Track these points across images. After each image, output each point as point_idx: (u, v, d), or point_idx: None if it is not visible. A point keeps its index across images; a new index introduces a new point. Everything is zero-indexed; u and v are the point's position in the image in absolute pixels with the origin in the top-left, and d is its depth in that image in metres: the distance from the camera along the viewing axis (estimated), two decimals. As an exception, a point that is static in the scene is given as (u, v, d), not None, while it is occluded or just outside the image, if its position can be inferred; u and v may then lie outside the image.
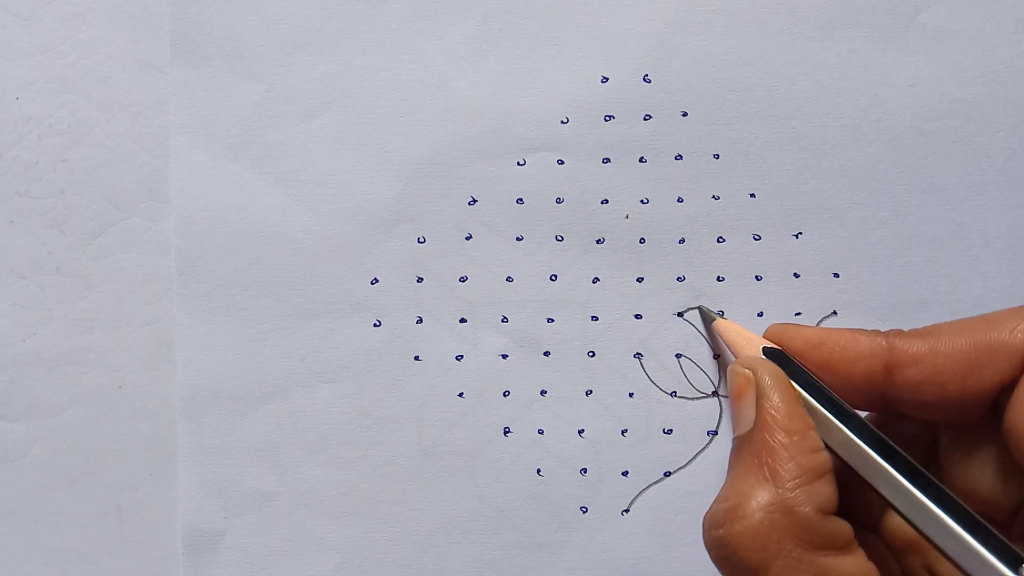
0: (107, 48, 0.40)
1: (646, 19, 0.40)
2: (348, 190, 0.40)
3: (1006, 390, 0.31)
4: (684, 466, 0.40)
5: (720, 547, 0.31)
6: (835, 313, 0.39)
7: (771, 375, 0.33)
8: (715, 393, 0.40)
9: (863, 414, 0.34)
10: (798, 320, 0.40)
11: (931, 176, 0.39)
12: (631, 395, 0.40)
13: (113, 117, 0.40)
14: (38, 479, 0.40)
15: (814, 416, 0.33)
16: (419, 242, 0.40)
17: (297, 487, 0.40)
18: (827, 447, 0.32)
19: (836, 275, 0.40)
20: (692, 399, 0.40)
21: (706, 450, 0.40)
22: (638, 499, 0.40)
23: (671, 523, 0.40)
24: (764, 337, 0.36)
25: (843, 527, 0.31)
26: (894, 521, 0.35)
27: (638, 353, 0.40)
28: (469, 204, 0.40)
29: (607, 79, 0.40)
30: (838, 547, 0.30)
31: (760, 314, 0.40)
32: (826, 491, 0.31)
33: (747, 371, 0.34)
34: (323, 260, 0.40)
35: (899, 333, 0.33)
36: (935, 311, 0.39)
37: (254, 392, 0.40)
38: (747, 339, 0.37)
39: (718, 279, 0.40)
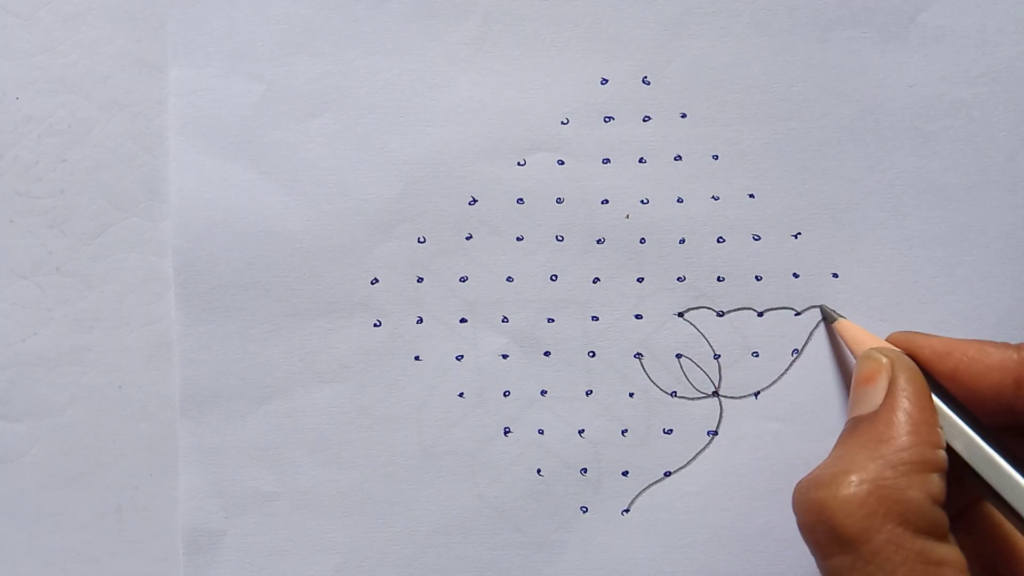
0: (107, 48, 0.40)
1: (645, 21, 0.40)
2: (348, 190, 0.40)
3: None
4: (684, 466, 0.40)
5: (816, 511, 0.31)
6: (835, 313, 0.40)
7: (907, 367, 0.33)
8: (715, 393, 0.40)
9: None
10: (799, 319, 0.40)
11: (931, 176, 0.39)
12: (631, 395, 0.40)
13: (113, 117, 0.40)
14: (38, 479, 0.40)
15: (943, 419, 0.33)
16: (419, 242, 0.40)
17: (297, 487, 0.40)
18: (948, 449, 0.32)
19: (835, 275, 0.40)
20: (692, 399, 0.40)
21: (706, 450, 0.40)
22: (638, 499, 0.40)
23: (671, 523, 0.40)
24: (888, 341, 0.36)
25: (944, 518, 0.31)
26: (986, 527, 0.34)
27: (638, 353, 0.40)
28: (469, 204, 0.40)
29: (607, 80, 0.40)
30: (939, 536, 0.30)
31: (760, 314, 0.40)
32: (939, 484, 0.31)
33: (884, 358, 0.33)
34: (323, 260, 0.40)
35: None
36: (935, 311, 0.39)
37: (254, 392, 0.40)
38: (872, 341, 0.36)
39: (718, 279, 0.40)
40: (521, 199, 0.40)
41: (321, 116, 0.40)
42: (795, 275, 0.40)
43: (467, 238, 0.40)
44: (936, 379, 0.34)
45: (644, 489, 0.40)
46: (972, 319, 0.39)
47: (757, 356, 0.40)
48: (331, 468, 0.40)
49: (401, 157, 0.40)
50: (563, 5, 0.40)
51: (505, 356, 0.40)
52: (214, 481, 0.40)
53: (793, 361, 0.40)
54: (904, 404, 0.32)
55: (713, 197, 0.40)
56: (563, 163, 0.40)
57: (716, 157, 0.40)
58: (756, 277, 0.40)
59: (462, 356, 0.40)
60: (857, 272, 0.40)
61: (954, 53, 0.40)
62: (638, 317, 0.40)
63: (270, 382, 0.40)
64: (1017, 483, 0.31)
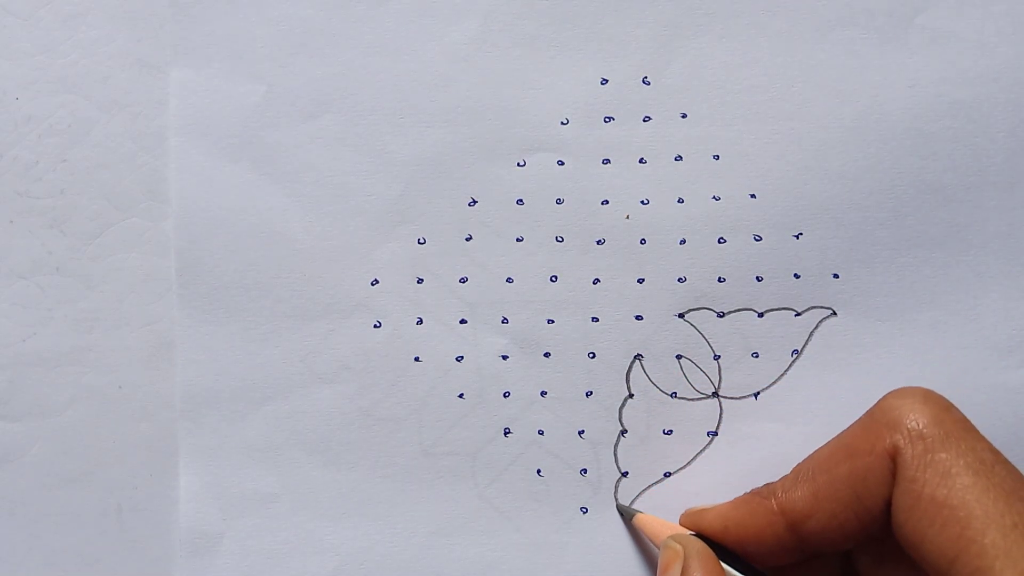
0: (107, 48, 0.40)
1: (645, 21, 0.40)
2: (348, 191, 0.40)
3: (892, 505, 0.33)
4: (684, 467, 0.40)
5: None
6: (835, 313, 0.40)
7: (697, 552, 0.35)
8: (715, 394, 0.40)
9: None
10: (799, 319, 0.40)
11: (930, 177, 0.40)
12: (631, 396, 0.40)
13: (113, 117, 0.40)
14: (38, 479, 0.40)
15: None
16: (419, 243, 0.40)
17: (297, 488, 0.40)
18: None
19: (836, 275, 0.40)
20: (692, 400, 0.40)
21: (706, 451, 0.40)
22: (638, 500, 0.40)
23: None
24: (680, 523, 0.38)
25: None
26: None
27: (638, 354, 0.40)
28: (469, 205, 0.40)
29: (607, 81, 0.40)
30: None
31: (760, 315, 0.40)
32: None
33: (678, 546, 0.36)
34: (323, 261, 0.40)
35: (784, 486, 0.35)
36: (935, 311, 0.39)
37: (254, 393, 0.40)
38: (670, 529, 0.38)
39: (719, 280, 0.40)
40: (521, 200, 0.40)
41: (321, 117, 0.40)
42: (796, 276, 0.40)
43: (467, 239, 0.40)
44: (726, 548, 0.36)
45: (644, 490, 0.40)
46: (971, 319, 0.39)
47: (757, 357, 0.40)
48: (331, 469, 0.40)
49: (401, 158, 0.40)
50: (563, 5, 0.40)
51: (505, 357, 0.40)
52: (214, 482, 0.40)
53: (793, 362, 0.40)
54: None
55: (714, 197, 0.40)
56: (563, 163, 0.40)
57: (717, 157, 0.40)
58: (757, 278, 0.40)
59: (462, 357, 0.40)
60: (857, 272, 0.40)
61: (953, 54, 0.40)
62: (638, 318, 0.40)
63: (270, 383, 0.40)
64: None
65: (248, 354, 0.40)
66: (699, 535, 0.37)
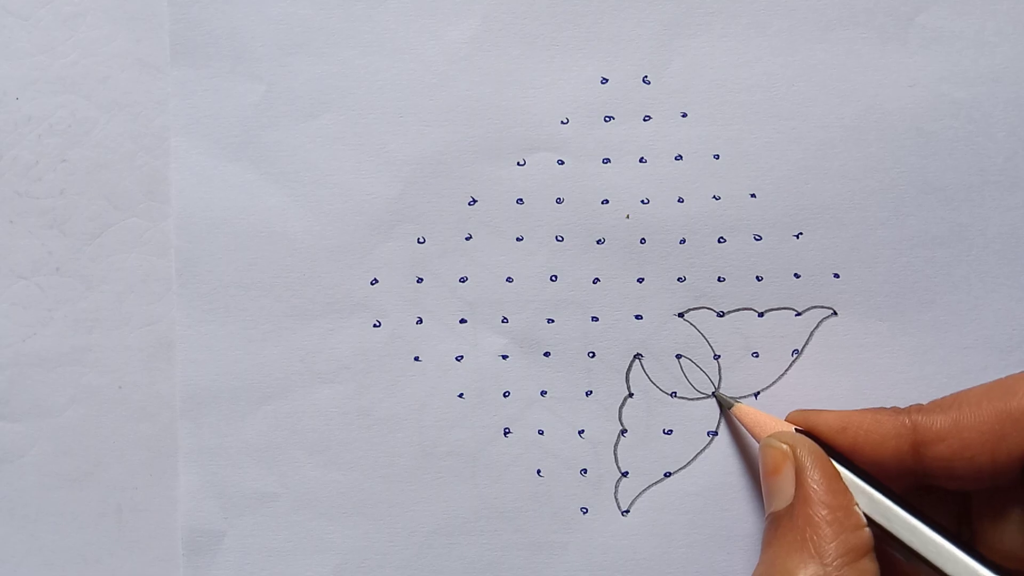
0: (107, 48, 0.40)
1: (646, 20, 0.40)
2: (348, 190, 0.40)
3: None
4: (684, 467, 0.40)
5: None
6: (835, 313, 0.39)
7: (810, 450, 0.33)
8: (715, 394, 0.40)
9: None
10: (800, 319, 0.40)
11: (931, 177, 0.40)
12: (631, 395, 0.40)
13: (113, 117, 0.40)
14: (38, 479, 0.40)
15: (854, 491, 0.33)
16: (419, 242, 0.40)
17: (297, 488, 0.40)
18: (869, 522, 0.33)
19: (836, 275, 0.40)
20: (692, 399, 0.40)
21: (706, 451, 0.40)
22: (638, 500, 0.40)
23: (671, 524, 0.40)
24: (787, 421, 0.37)
25: None
26: None
27: (638, 354, 0.40)
28: (469, 204, 0.40)
29: (607, 80, 0.40)
30: None
31: (761, 315, 0.40)
32: (870, 569, 0.31)
33: (784, 446, 0.34)
34: (323, 260, 0.40)
35: (920, 408, 0.33)
36: (935, 311, 0.39)
37: (254, 393, 0.40)
38: (771, 422, 0.36)
39: (719, 279, 0.40)
40: (521, 199, 0.40)
41: (321, 116, 0.40)
42: (796, 275, 0.40)
43: (467, 238, 0.40)
44: (839, 453, 0.34)
45: (644, 490, 0.40)
46: (972, 319, 0.39)
47: (757, 357, 0.40)
48: (331, 469, 0.40)
49: (401, 157, 0.40)
50: (563, 5, 0.40)
51: (505, 357, 0.40)
52: (214, 482, 0.40)
53: (793, 361, 0.40)
54: (818, 494, 0.32)
55: (714, 197, 0.40)
56: (563, 163, 0.40)
57: (717, 157, 0.40)
58: (757, 277, 0.40)
59: (462, 357, 0.40)
60: (858, 272, 0.40)
61: (953, 54, 0.40)
62: (638, 317, 0.40)
63: (270, 382, 0.40)
64: (938, 544, 0.32)
65: (248, 354, 0.40)
66: (808, 434, 0.35)
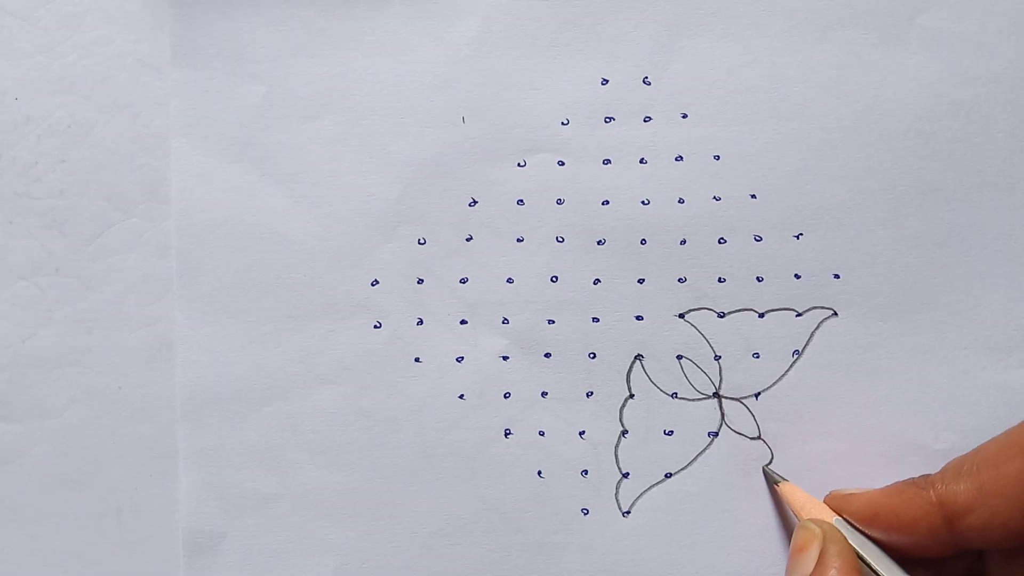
0: (107, 48, 0.40)
1: (646, 21, 0.40)
2: (348, 192, 0.40)
3: None
4: (685, 467, 0.40)
5: None
6: (836, 313, 0.40)
7: (838, 540, 0.35)
8: (716, 395, 0.40)
9: None
10: (800, 320, 0.40)
11: (931, 177, 0.40)
12: (632, 396, 0.40)
13: (113, 117, 0.40)
14: (38, 480, 0.40)
15: None
16: (419, 243, 0.40)
17: (298, 489, 0.40)
18: None
19: (836, 276, 0.40)
20: (693, 400, 0.40)
21: (707, 451, 0.40)
22: (639, 501, 0.40)
23: (672, 524, 0.40)
24: (825, 503, 0.37)
25: None
26: None
27: (639, 354, 0.40)
28: (469, 205, 0.40)
29: (607, 81, 0.40)
30: None
31: (761, 315, 0.40)
32: None
33: (817, 529, 0.35)
34: (323, 262, 0.40)
35: (942, 478, 0.34)
36: (935, 311, 0.39)
37: (254, 394, 0.40)
38: (813, 505, 0.37)
39: (719, 280, 0.40)
40: (521, 200, 0.40)
41: (321, 118, 0.40)
42: (796, 276, 0.40)
43: (467, 239, 0.40)
44: (874, 539, 0.36)
45: (645, 490, 0.40)
46: (972, 319, 0.39)
47: (758, 357, 0.40)
48: (331, 470, 0.40)
49: (401, 159, 0.40)
50: (563, 5, 0.40)
51: (505, 357, 0.40)
52: (214, 482, 0.40)
53: (794, 362, 0.40)
54: (831, 573, 0.34)
55: (714, 198, 0.40)
56: (563, 164, 0.40)
57: (717, 157, 0.40)
58: (757, 278, 0.40)
59: (462, 357, 0.40)
60: (858, 273, 0.40)
61: (953, 54, 0.40)
62: (639, 318, 0.40)
63: (270, 384, 0.40)
64: None
65: (248, 355, 0.40)
66: (844, 518, 0.36)
